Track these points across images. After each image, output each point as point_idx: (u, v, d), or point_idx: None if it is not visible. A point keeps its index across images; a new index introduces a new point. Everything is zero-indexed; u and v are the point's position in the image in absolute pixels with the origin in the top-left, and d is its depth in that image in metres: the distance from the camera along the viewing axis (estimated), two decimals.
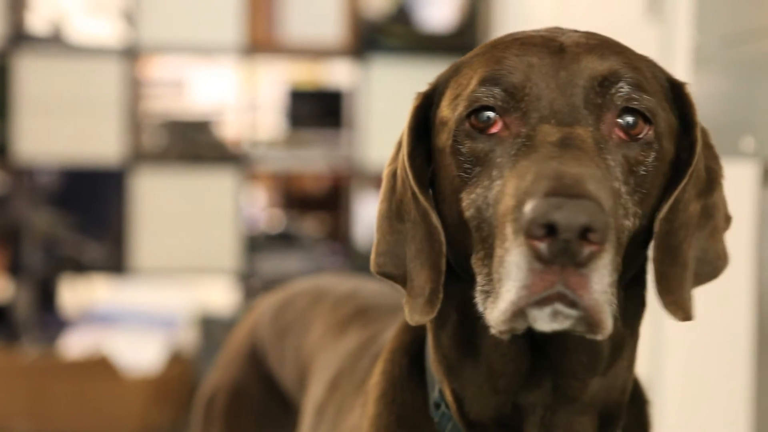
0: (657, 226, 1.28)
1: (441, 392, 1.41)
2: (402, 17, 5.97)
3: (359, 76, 5.74)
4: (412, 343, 1.50)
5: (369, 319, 1.88)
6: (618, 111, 1.25)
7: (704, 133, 1.38)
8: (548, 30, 1.34)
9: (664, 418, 2.65)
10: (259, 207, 7.08)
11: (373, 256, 1.41)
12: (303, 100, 6.51)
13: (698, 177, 1.33)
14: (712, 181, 1.36)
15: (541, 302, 1.12)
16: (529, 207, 1.10)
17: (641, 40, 2.79)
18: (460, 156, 1.27)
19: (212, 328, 5.31)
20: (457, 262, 1.32)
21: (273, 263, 5.80)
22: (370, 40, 5.76)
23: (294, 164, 6.04)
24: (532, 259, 1.10)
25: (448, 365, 1.38)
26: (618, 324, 1.32)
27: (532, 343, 1.31)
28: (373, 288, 2.10)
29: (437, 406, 1.42)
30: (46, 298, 5.77)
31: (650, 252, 1.32)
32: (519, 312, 1.13)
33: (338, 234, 6.33)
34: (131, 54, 5.57)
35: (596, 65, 1.26)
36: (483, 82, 1.27)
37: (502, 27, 5.35)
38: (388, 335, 1.68)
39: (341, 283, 2.17)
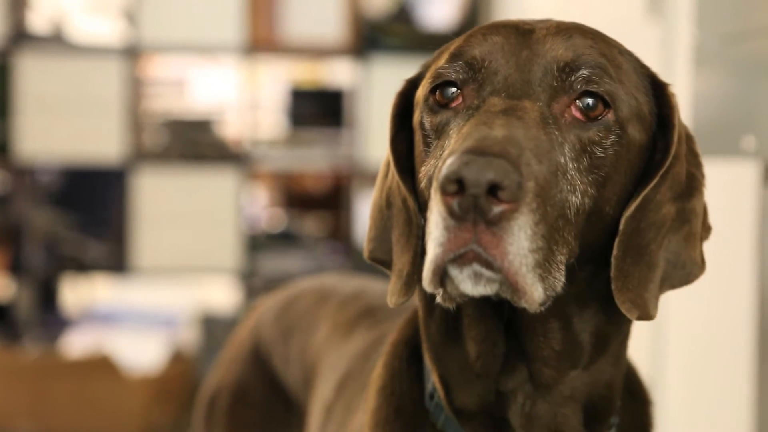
0: (622, 223, 1.28)
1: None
2: (403, 16, 5.97)
3: (360, 75, 5.74)
4: (414, 336, 1.51)
5: (376, 320, 1.89)
6: (577, 94, 1.26)
7: (689, 139, 1.38)
8: (533, 20, 1.37)
9: (666, 418, 2.65)
10: (260, 206, 7.08)
11: (365, 243, 1.46)
12: (304, 99, 6.51)
13: (676, 180, 1.33)
14: (692, 187, 1.36)
15: (459, 261, 1.13)
16: (445, 164, 1.12)
17: (642, 39, 2.79)
18: (424, 131, 1.31)
19: (213, 327, 5.32)
20: None
21: (274, 262, 5.80)
22: (370, 39, 5.76)
23: (295, 163, 6.04)
24: (447, 215, 1.12)
25: (435, 352, 1.40)
26: (601, 319, 1.34)
27: (507, 327, 1.32)
28: (379, 288, 2.10)
29: (431, 396, 1.43)
30: (47, 297, 5.77)
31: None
32: (439, 270, 1.15)
33: (339, 233, 6.34)
34: (132, 53, 5.58)
35: (560, 49, 1.28)
36: (449, 58, 1.31)
37: None
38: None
39: (346, 283, 2.17)
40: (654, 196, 1.30)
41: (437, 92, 1.30)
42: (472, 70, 1.28)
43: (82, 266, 5.76)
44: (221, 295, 5.87)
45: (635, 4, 3.06)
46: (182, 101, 6.76)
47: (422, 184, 1.29)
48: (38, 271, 5.67)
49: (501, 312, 1.31)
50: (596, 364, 1.35)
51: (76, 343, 5.04)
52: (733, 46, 2.05)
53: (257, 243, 5.90)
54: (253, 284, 5.64)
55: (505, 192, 1.10)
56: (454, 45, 1.34)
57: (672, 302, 2.52)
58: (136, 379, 4.72)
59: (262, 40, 5.79)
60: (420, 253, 1.33)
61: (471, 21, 5.86)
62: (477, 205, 1.10)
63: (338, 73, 6.73)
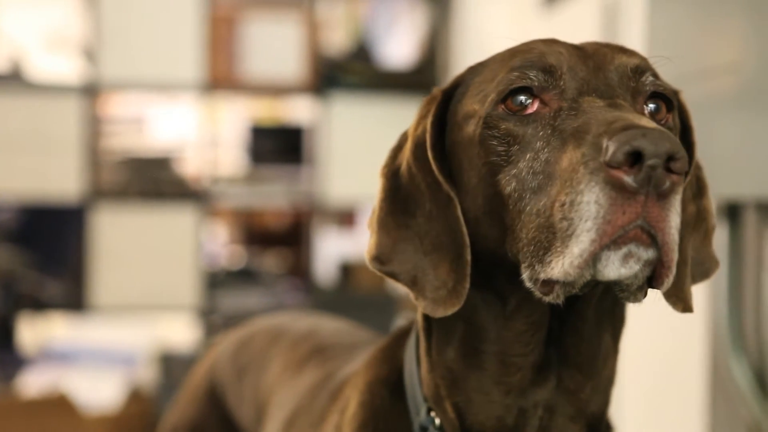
0: None
1: (429, 415, 1.43)
2: (362, 55, 6.00)
3: (320, 113, 5.77)
4: (389, 374, 1.51)
5: (326, 357, 1.89)
6: (646, 97, 1.30)
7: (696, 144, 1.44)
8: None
9: None
10: (220, 243, 7.07)
11: (372, 254, 1.39)
12: (264, 137, 6.53)
13: (692, 180, 1.39)
14: (701, 187, 1.42)
15: (619, 241, 1.12)
16: (608, 142, 1.11)
17: None
18: (492, 141, 1.28)
19: (172, 365, 5.28)
20: (475, 260, 1.32)
21: (234, 299, 5.78)
22: (330, 77, 5.79)
23: (255, 200, 6.04)
24: (614, 192, 1.10)
25: (452, 379, 1.39)
26: (609, 333, 1.37)
27: (549, 334, 1.34)
28: (331, 326, 2.11)
29: (423, 429, 1.43)
30: (3, 335, 5.72)
31: None
32: (596, 253, 1.12)
33: (299, 270, 6.33)
34: (91, 91, 5.57)
35: (623, 57, 1.31)
36: (514, 69, 1.30)
37: (461, 64, 5.40)
38: (349, 371, 1.70)
39: (300, 322, 2.18)
40: (683, 194, 1.32)
41: (508, 101, 1.29)
42: (551, 76, 1.28)
43: (40, 304, 5.72)
44: (180, 332, 5.84)
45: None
46: (141, 139, 6.75)
47: (508, 189, 1.25)
48: None
49: (552, 318, 1.33)
50: (601, 378, 1.38)
51: (33, 382, 4.99)
52: (685, 86, 2.08)
53: (217, 280, 5.88)
54: (213, 321, 5.62)
55: (677, 163, 1.10)
56: (507, 61, 1.33)
57: (626, 340, 2.55)
58: (94, 418, 4.68)
59: (221, 77, 5.80)
60: (468, 260, 1.31)
61: (429, 59, 5.91)
62: (652, 177, 1.09)
63: (298, 111, 6.75)
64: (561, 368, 1.35)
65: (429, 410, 1.43)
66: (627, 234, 1.11)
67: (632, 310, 1.40)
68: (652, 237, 1.12)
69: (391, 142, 1.47)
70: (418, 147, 1.38)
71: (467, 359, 1.37)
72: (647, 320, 2.36)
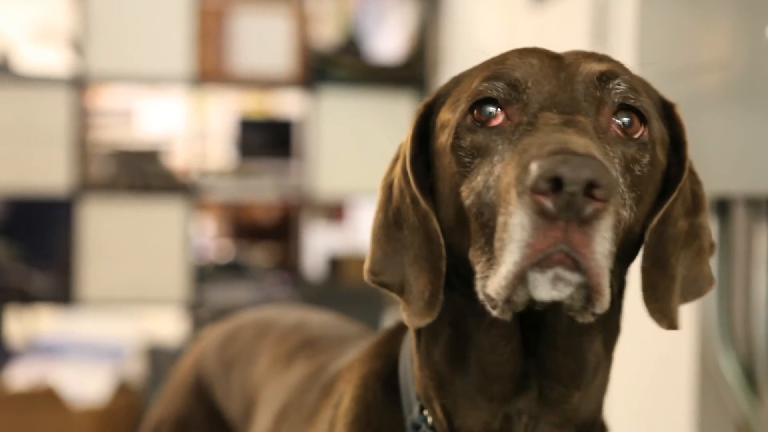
0: (647, 236, 1.31)
1: (422, 413, 1.43)
2: (351, 49, 6.00)
3: (309, 107, 5.76)
4: (383, 369, 1.51)
5: (315, 351, 1.89)
6: (615, 107, 1.29)
7: (689, 160, 1.43)
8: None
9: None
10: (208, 237, 7.07)
11: (367, 266, 1.41)
12: (252, 130, 6.52)
13: (685, 196, 1.37)
14: (697, 204, 1.40)
15: (543, 264, 1.12)
16: (534, 165, 1.11)
17: None
18: (460, 151, 1.29)
19: (160, 358, 5.27)
20: (456, 267, 1.33)
21: (222, 293, 5.78)
22: (319, 70, 5.78)
23: (243, 194, 6.03)
24: (536, 216, 1.11)
25: (439, 381, 1.39)
26: (600, 342, 1.37)
27: (525, 346, 1.33)
28: (319, 319, 2.11)
29: (416, 427, 1.43)
30: None
31: (636, 265, 1.35)
32: (521, 275, 1.13)
33: (287, 264, 6.33)
34: (79, 83, 5.55)
35: (594, 65, 1.30)
36: (485, 79, 1.30)
37: (451, 59, 5.39)
38: (340, 364, 1.69)
39: (287, 315, 2.17)
40: (672, 210, 1.34)
41: (475, 111, 1.29)
42: (515, 90, 1.28)
43: (27, 298, 5.70)
44: (168, 326, 5.84)
45: (579, 41, 3.10)
46: (130, 132, 6.74)
47: (468, 201, 1.26)
48: None
49: (524, 331, 1.32)
50: (591, 387, 1.38)
51: (21, 375, 4.98)
52: (673, 83, 2.09)
53: (205, 274, 5.88)
54: (200, 315, 5.61)
55: (600, 190, 1.10)
56: (482, 71, 1.33)
57: None
58: (82, 411, 4.67)
59: (210, 70, 5.79)
60: (443, 272, 1.33)
61: (418, 54, 5.90)
62: (572, 204, 1.10)
63: (287, 104, 6.75)
64: (541, 379, 1.35)
65: (422, 408, 1.43)
66: (551, 257, 1.12)
67: None
68: (576, 262, 1.12)
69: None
70: (405, 160, 1.39)
71: (452, 363, 1.38)
72: (636, 315, 2.36)
